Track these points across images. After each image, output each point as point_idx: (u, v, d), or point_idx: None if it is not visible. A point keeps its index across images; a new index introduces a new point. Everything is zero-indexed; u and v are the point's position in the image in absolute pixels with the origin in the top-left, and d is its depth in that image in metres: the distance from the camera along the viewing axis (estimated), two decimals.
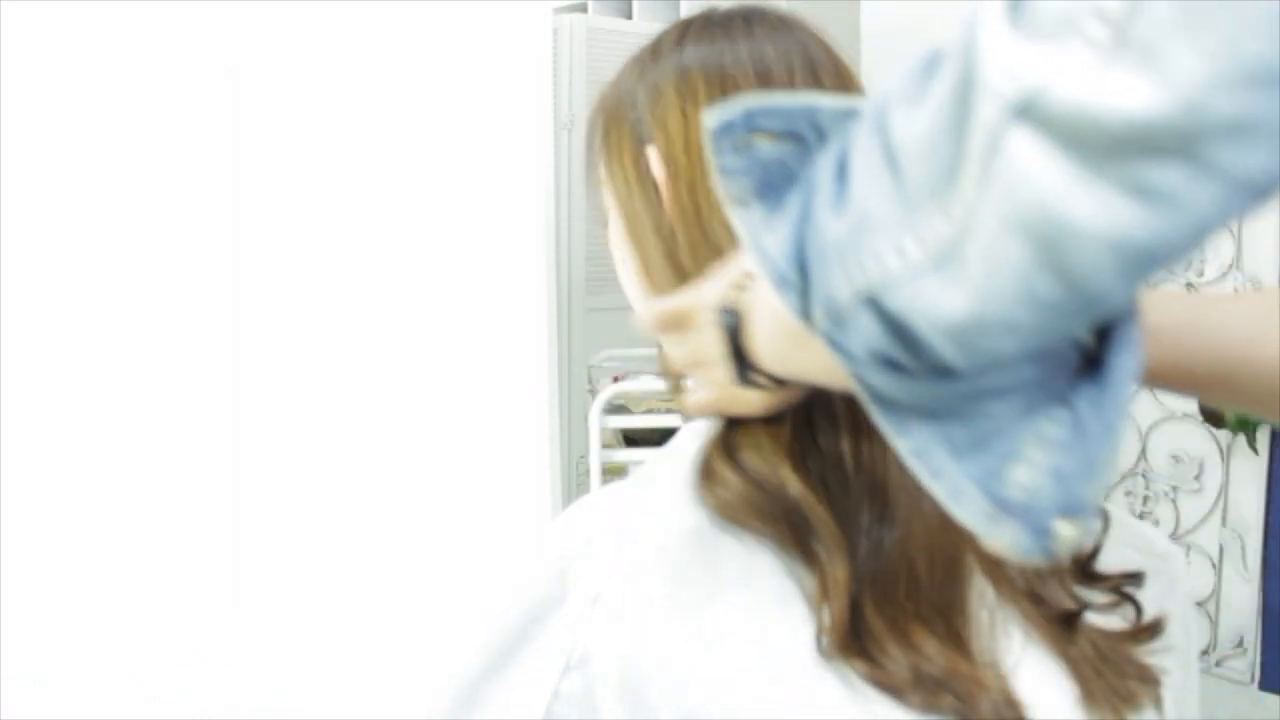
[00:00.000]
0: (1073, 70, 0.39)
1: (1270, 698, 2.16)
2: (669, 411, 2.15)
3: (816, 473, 0.67)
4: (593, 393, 2.23)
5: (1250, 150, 0.37)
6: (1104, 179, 0.40)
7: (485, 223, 1.64)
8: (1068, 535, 0.49)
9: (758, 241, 0.54)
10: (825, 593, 0.65)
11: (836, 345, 0.52)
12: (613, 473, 2.26)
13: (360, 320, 1.58)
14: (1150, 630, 0.74)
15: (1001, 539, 0.50)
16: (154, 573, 1.45)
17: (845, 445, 0.67)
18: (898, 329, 0.48)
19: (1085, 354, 0.52)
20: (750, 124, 0.55)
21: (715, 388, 0.65)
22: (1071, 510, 0.50)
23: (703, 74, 0.74)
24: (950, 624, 0.66)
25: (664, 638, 0.66)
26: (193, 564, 1.48)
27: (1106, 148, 0.39)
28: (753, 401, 0.63)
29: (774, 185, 0.55)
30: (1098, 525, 0.75)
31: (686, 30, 0.78)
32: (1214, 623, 2.21)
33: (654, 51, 0.79)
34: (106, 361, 1.43)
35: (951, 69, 0.44)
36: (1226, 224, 0.41)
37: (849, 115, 0.54)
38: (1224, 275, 2.09)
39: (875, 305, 0.48)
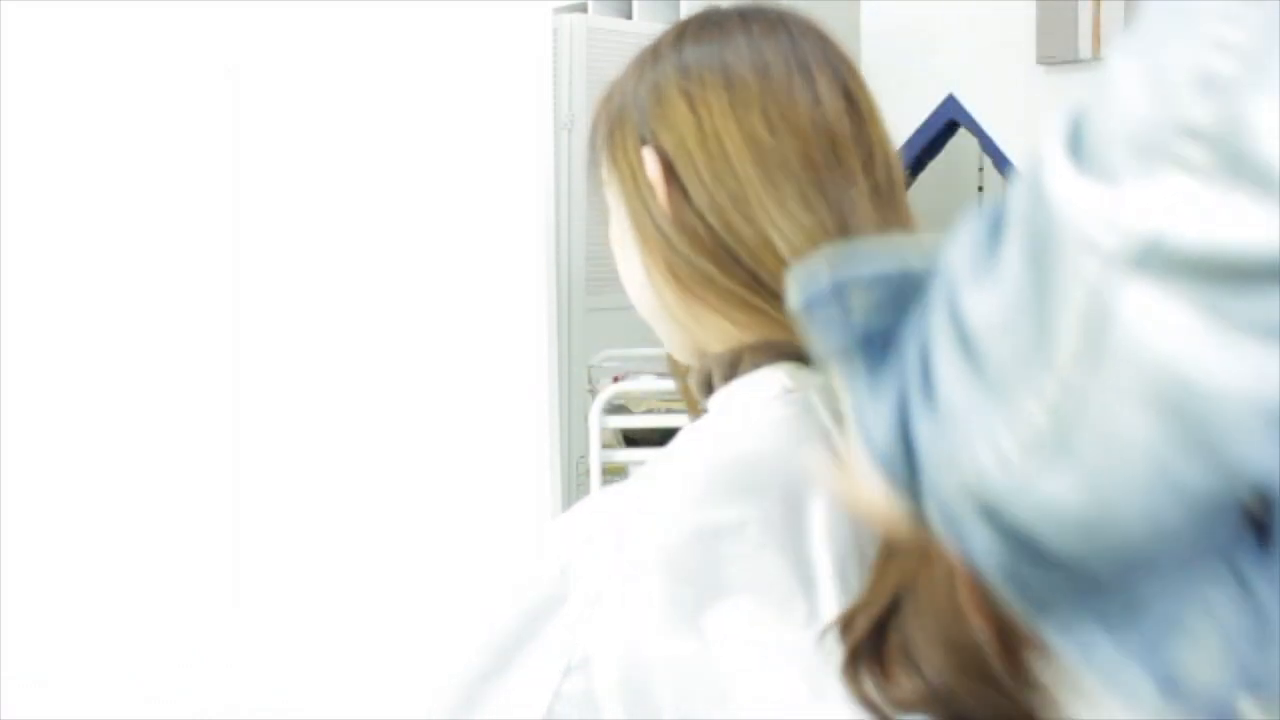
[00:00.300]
0: (1186, 207, 0.34)
1: None
2: (669, 411, 2.15)
3: None
4: (593, 393, 2.23)
5: None
6: (1237, 332, 0.34)
7: (486, 223, 1.64)
8: (1252, 715, 0.42)
9: (862, 416, 0.49)
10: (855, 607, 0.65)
11: (957, 546, 0.45)
12: (613, 473, 2.26)
13: (360, 320, 1.58)
14: None
15: None
16: (154, 573, 1.45)
17: None
18: (1012, 533, 0.42)
19: (1247, 509, 0.44)
20: (839, 291, 0.50)
21: (859, 491, 0.57)
22: (1254, 686, 0.42)
23: (705, 69, 0.74)
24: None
25: (665, 637, 0.66)
26: (193, 564, 1.48)
27: (1238, 288, 0.34)
28: (889, 520, 0.55)
29: (874, 344, 0.50)
30: None
31: (685, 30, 0.78)
32: None
33: (654, 52, 0.79)
34: (106, 361, 1.43)
35: (1018, 235, 0.39)
36: None
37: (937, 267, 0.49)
38: None
39: (982, 509, 0.42)
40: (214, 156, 1.48)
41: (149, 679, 1.44)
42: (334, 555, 1.54)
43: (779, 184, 0.71)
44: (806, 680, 0.66)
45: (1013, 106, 3.18)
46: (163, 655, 1.45)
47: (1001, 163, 3.25)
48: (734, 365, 0.76)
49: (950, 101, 3.26)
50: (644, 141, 0.76)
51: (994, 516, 0.42)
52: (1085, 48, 2.96)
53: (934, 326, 0.44)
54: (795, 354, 0.72)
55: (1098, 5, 2.92)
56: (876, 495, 0.50)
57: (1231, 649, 0.42)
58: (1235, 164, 0.33)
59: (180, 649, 1.47)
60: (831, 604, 0.68)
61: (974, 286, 0.41)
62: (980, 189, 4.25)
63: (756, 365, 0.75)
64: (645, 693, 0.66)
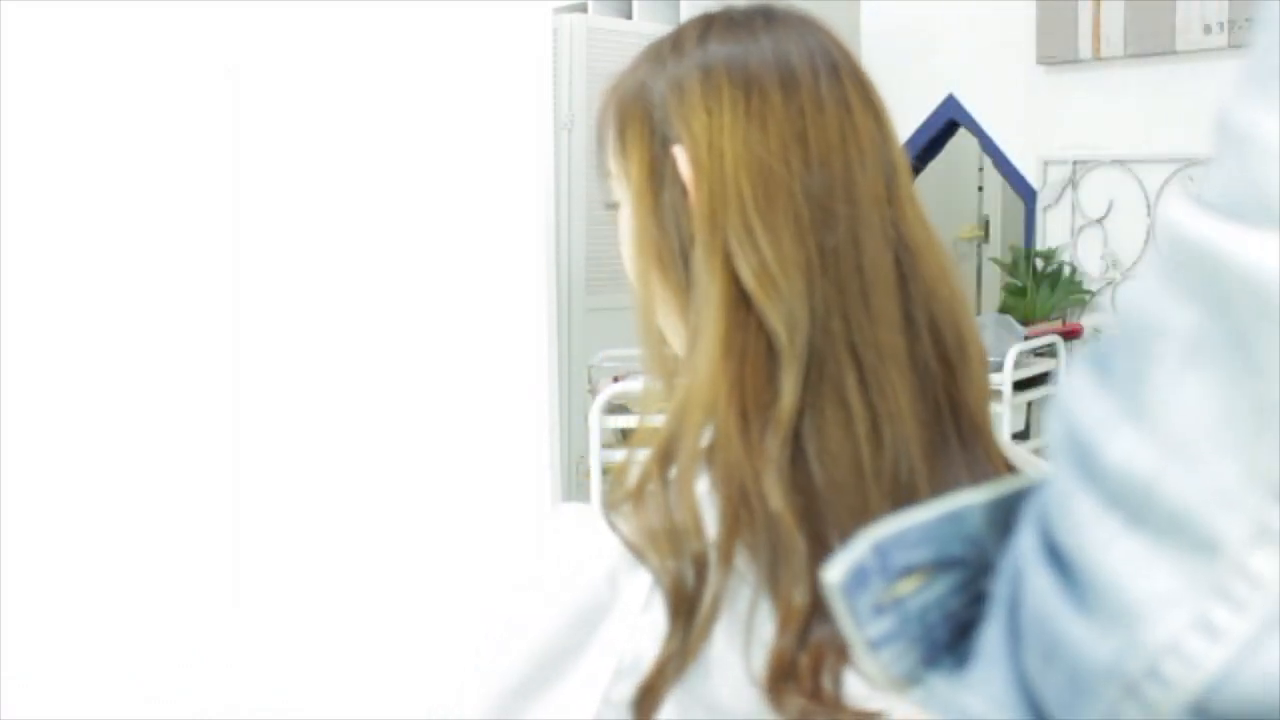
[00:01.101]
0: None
1: None
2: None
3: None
4: (593, 393, 2.23)
5: None
6: None
7: (485, 223, 1.64)
8: None
9: (964, 712, 0.38)
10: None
11: None
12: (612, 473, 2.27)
13: (360, 320, 1.58)
14: None
15: None
16: (154, 573, 1.46)
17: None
18: None
19: None
20: (887, 566, 0.40)
21: None
22: None
23: (727, 72, 0.74)
24: None
25: (721, 638, 0.65)
26: (193, 564, 1.48)
27: None
28: None
29: (939, 641, 0.40)
30: None
31: (709, 27, 0.77)
32: None
33: (675, 46, 0.77)
34: (106, 361, 1.43)
35: (1172, 338, 0.32)
36: None
37: (1000, 506, 0.40)
38: None
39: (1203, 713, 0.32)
40: (214, 156, 1.48)
41: (149, 679, 1.44)
42: (334, 555, 1.55)
43: (776, 209, 0.70)
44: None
45: (1013, 106, 3.18)
46: (163, 655, 1.46)
47: (1001, 163, 3.25)
48: None
49: (950, 101, 3.27)
50: (670, 141, 0.75)
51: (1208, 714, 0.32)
52: (1085, 48, 2.96)
53: (1062, 510, 0.34)
54: None
55: (1098, 5, 2.92)
56: None
57: None
58: None
59: (180, 649, 1.47)
60: None
61: (1119, 419, 0.33)
62: (980, 189, 4.26)
63: None
64: (705, 692, 0.66)
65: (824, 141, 0.72)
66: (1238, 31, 2.69)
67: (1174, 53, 2.79)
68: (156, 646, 1.46)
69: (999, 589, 0.38)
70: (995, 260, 3.46)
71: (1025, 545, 0.36)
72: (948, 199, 4.10)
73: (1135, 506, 0.32)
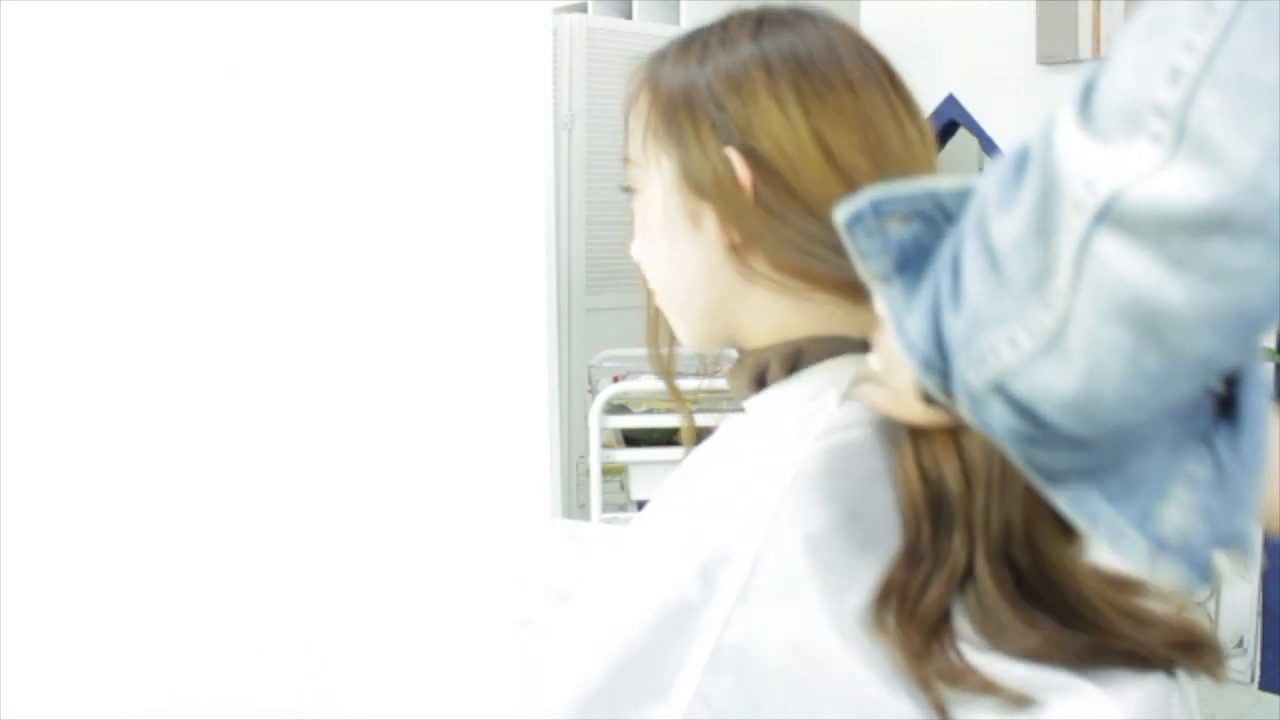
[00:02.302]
0: (1141, 171, 0.43)
1: (1270, 698, 2.16)
2: (669, 412, 2.15)
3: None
4: (593, 393, 2.23)
5: None
6: (1187, 269, 0.43)
7: (485, 222, 1.64)
8: (1225, 567, 0.53)
9: (900, 325, 0.58)
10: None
11: (980, 423, 0.56)
12: (612, 473, 2.27)
13: (360, 320, 1.58)
14: None
15: (1164, 574, 0.54)
16: (154, 573, 1.46)
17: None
18: (1024, 411, 0.52)
19: (1220, 398, 0.56)
20: (878, 211, 0.59)
21: (894, 395, 0.67)
22: (1225, 543, 0.54)
23: (791, 66, 0.74)
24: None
25: (821, 627, 0.66)
26: (193, 564, 1.48)
27: (1184, 239, 0.43)
28: (922, 414, 0.65)
29: (911, 261, 0.59)
30: (1253, 555, 0.76)
31: (762, 23, 0.77)
32: (1214, 623, 2.21)
33: (724, 41, 0.77)
34: (106, 360, 1.43)
35: (1034, 175, 0.49)
36: None
37: (966, 194, 0.57)
38: None
39: (1002, 392, 0.53)
40: (214, 156, 1.48)
41: (150, 679, 1.44)
42: (334, 555, 1.55)
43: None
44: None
45: (1013, 106, 3.18)
46: (164, 655, 1.46)
47: None
48: (795, 358, 0.76)
49: (950, 101, 3.27)
50: (726, 140, 0.74)
51: (1009, 395, 0.52)
52: (1085, 48, 2.96)
53: (965, 242, 0.54)
54: (856, 347, 0.74)
55: (1098, 5, 2.92)
56: (912, 393, 0.61)
57: (1208, 516, 0.54)
58: (1184, 138, 0.42)
59: (181, 649, 1.47)
60: None
61: (1000, 212, 0.51)
62: None
63: (819, 358, 0.75)
64: (805, 684, 0.66)
65: (884, 141, 0.74)
66: None
67: None
68: (158, 646, 1.46)
69: (944, 252, 0.56)
70: None
71: (948, 247, 0.56)
72: None
73: (994, 261, 0.51)
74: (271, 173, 1.52)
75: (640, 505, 2.13)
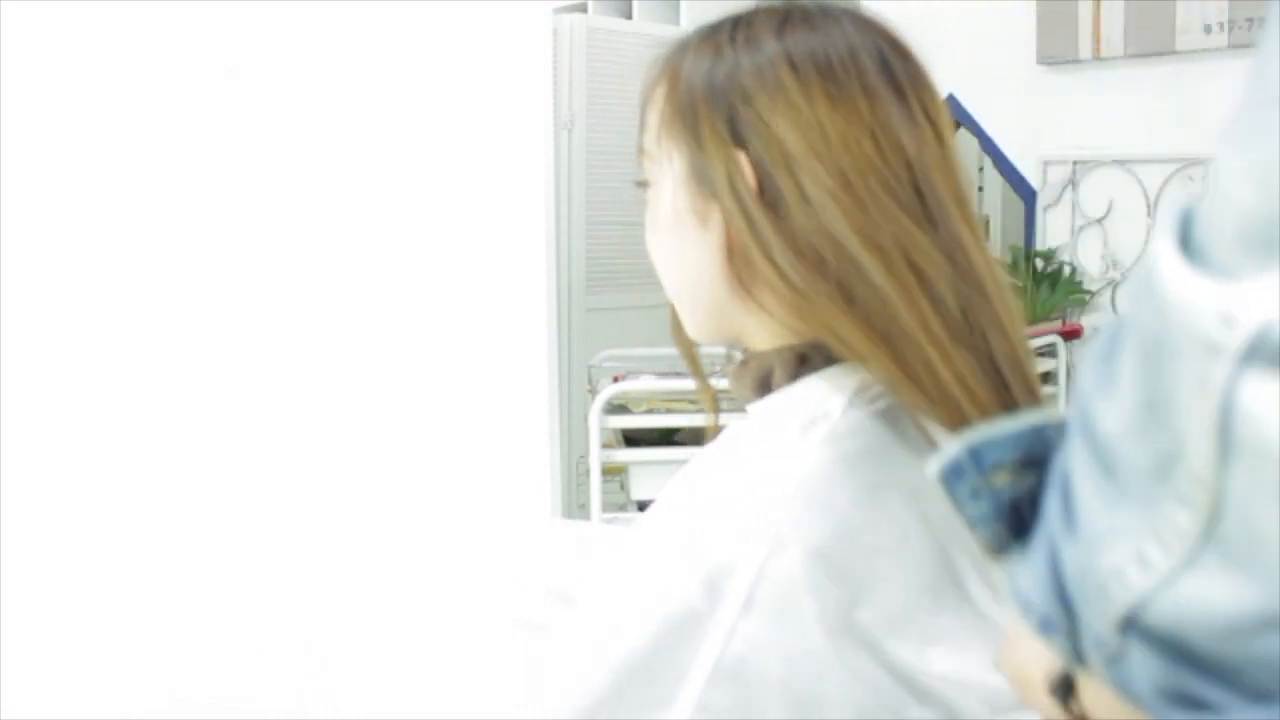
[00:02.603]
0: None
1: None
2: (669, 411, 2.15)
3: None
4: (593, 393, 2.22)
5: None
6: None
7: (485, 222, 1.64)
8: None
9: (1016, 587, 0.47)
10: None
11: (1122, 688, 0.42)
12: (612, 473, 2.26)
13: (360, 320, 1.58)
14: None
15: None
16: (154, 573, 1.45)
17: None
18: (1174, 650, 0.39)
19: None
20: (979, 463, 0.50)
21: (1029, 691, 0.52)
22: None
23: (816, 65, 0.73)
24: None
25: (825, 638, 0.66)
26: (193, 564, 1.48)
27: None
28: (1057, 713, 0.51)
29: (1027, 524, 0.49)
30: None
31: (786, 21, 0.76)
32: None
33: (748, 38, 0.75)
34: (106, 360, 1.43)
35: (1135, 334, 0.39)
36: None
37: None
38: None
39: (1136, 628, 0.40)
40: (214, 156, 1.48)
41: (151, 679, 1.44)
42: (335, 555, 1.54)
43: (882, 205, 0.71)
44: (985, 660, 0.65)
45: (1013, 106, 3.18)
46: (163, 655, 1.45)
47: (1001, 163, 3.25)
48: (800, 363, 0.76)
49: (950, 101, 3.27)
50: (739, 143, 0.73)
51: (1146, 632, 0.40)
52: (1085, 48, 2.96)
53: (1071, 455, 0.43)
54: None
55: (1098, 5, 2.92)
56: (1039, 666, 0.47)
57: None
58: None
59: (181, 649, 1.47)
60: (978, 586, 0.69)
61: (1101, 398, 0.41)
62: (980, 189, 4.25)
63: (823, 364, 0.75)
64: (809, 694, 0.66)
65: (899, 148, 0.73)
66: (1238, 31, 2.69)
67: (1174, 53, 2.79)
68: (159, 646, 1.46)
69: (1054, 472, 0.46)
70: (995, 260, 3.45)
71: (1056, 470, 0.45)
72: None
73: (1103, 460, 0.41)
74: (271, 173, 1.52)
75: (640, 505, 2.13)
